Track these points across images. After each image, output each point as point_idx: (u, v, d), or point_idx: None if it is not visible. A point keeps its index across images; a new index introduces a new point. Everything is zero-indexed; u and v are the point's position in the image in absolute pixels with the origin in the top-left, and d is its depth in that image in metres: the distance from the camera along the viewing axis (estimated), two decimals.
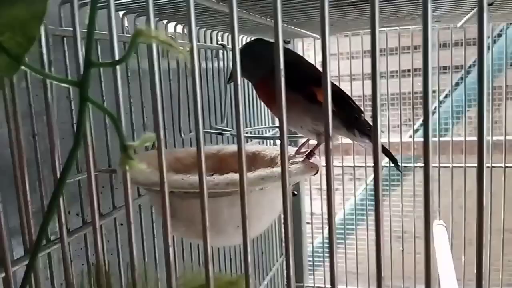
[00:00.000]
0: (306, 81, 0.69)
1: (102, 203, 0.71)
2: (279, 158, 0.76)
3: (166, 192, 0.43)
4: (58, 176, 0.50)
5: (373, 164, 0.37)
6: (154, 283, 0.58)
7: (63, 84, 0.40)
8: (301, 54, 1.65)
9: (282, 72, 0.38)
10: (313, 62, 1.60)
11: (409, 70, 1.60)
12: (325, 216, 1.72)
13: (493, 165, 1.46)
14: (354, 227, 1.82)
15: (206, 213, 0.42)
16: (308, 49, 1.70)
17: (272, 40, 0.39)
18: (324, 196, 1.66)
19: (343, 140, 1.42)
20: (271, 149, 0.80)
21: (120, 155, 0.39)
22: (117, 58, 0.44)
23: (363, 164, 1.66)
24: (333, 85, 0.79)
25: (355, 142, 0.81)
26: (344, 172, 1.69)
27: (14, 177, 0.56)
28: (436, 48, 1.53)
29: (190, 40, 0.40)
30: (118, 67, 0.43)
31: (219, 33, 1.18)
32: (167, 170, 0.68)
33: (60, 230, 0.48)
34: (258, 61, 0.75)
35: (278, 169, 0.63)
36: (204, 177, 0.42)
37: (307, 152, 0.71)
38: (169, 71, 0.94)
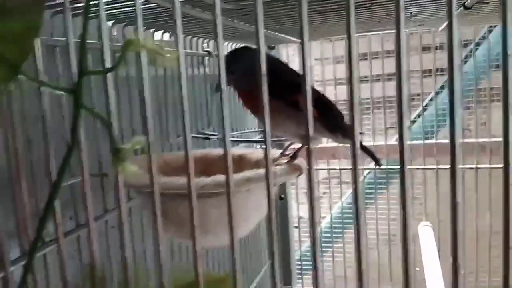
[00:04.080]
0: (289, 89, 0.71)
1: (94, 206, 0.73)
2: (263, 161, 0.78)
3: (157, 193, 0.45)
4: (54, 179, 0.52)
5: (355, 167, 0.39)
6: (146, 282, 0.60)
7: (58, 92, 0.42)
8: (286, 60, 1.67)
9: (265, 78, 0.40)
10: (298, 68, 1.62)
11: (394, 74, 1.62)
12: None
13: (478, 166, 1.49)
14: (341, 230, 1.84)
15: (195, 213, 0.44)
16: (293, 54, 1.72)
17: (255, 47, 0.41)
18: None
19: (329, 144, 1.44)
20: (257, 152, 0.82)
21: (112, 158, 0.41)
22: (107, 66, 0.46)
23: (350, 167, 1.67)
24: (315, 91, 0.81)
25: (339, 143, 0.83)
26: (331, 175, 1.71)
27: (11, 181, 0.58)
28: (419, 51, 1.56)
29: (177, 49, 0.42)
30: (109, 74, 0.45)
31: (205, 40, 1.21)
32: (157, 173, 0.70)
33: (57, 231, 0.50)
34: (242, 70, 0.77)
35: (263, 170, 0.65)
36: (193, 178, 0.44)
37: (292, 154, 0.73)
38: (157, 77, 0.96)
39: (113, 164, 0.41)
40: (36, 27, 0.39)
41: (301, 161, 0.72)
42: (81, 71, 0.42)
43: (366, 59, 1.58)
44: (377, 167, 0.82)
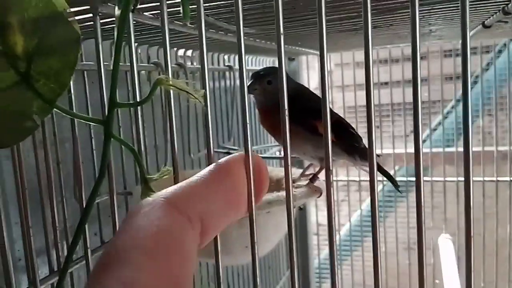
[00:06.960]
0: (307, 114, 0.73)
1: (118, 224, 0.76)
2: (284, 181, 0.79)
3: None
4: (82, 199, 0.54)
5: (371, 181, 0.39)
6: None
7: (89, 123, 0.44)
8: (305, 68, 1.68)
9: (286, 107, 0.42)
10: (317, 76, 1.63)
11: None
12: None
13: (499, 179, 1.47)
14: (360, 238, 1.84)
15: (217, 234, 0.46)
16: (312, 61, 1.72)
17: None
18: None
19: None
20: (277, 171, 0.83)
21: (140, 186, 0.43)
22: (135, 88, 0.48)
23: (368, 178, 1.66)
24: (334, 114, 0.83)
25: (356, 166, 0.84)
26: (350, 183, 1.70)
27: (41, 200, 0.61)
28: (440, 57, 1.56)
29: (203, 86, 0.44)
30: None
31: (225, 55, 1.23)
32: None
33: (85, 250, 0.53)
34: (267, 90, 0.80)
35: (284, 193, 0.66)
36: None
37: (311, 176, 0.75)
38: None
39: (142, 193, 0.43)
40: (72, 64, 0.42)
41: (320, 182, 0.74)
42: (112, 104, 0.44)
43: (386, 64, 1.59)
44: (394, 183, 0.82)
